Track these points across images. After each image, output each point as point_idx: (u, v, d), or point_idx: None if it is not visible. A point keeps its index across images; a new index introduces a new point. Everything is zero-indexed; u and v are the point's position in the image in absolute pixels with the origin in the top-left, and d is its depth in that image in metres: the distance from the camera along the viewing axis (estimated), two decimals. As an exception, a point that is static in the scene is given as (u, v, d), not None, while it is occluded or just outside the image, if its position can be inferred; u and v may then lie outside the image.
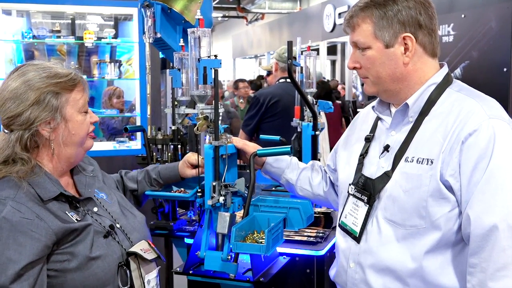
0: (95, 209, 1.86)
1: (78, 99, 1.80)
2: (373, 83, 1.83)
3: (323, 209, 2.96)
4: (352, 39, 1.83)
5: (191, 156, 2.27)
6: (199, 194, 2.13)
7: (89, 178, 1.96)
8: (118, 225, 1.88)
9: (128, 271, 1.79)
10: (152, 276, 1.89)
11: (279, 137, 3.31)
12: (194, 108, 2.17)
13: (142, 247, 1.86)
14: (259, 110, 4.63)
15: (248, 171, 2.15)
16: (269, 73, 5.82)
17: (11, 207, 1.64)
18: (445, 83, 1.80)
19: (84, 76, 5.72)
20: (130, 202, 2.29)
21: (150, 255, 1.87)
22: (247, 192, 2.09)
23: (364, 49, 1.80)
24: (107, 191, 2.00)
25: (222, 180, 2.07)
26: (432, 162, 1.68)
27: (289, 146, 2.17)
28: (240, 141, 2.20)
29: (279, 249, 2.42)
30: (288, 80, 4.62)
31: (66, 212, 1.75)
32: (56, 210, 1.72)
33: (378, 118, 1.93)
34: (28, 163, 1.73)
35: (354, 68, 1.85)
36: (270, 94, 4.63)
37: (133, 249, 1.83)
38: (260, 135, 4.03)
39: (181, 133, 3.14)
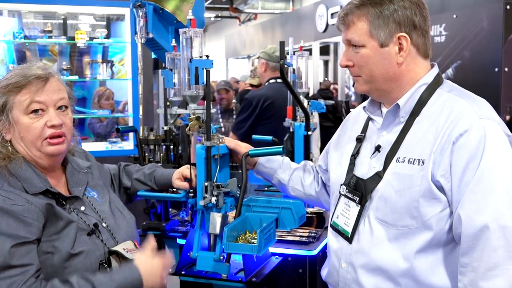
0: (82, 208, 1.87)
1: (22, 100, 1.77)
2: (365, 81, 1.83)
3: (315, 209, 2.97)
4: (346, 37, 1.82)
5: (186, 169, 2.24)
6: (191, 194, 2.14)
7: (82, 175, 1.97)
8: (104, 224, 1.89)
9: (109, 270, 1.80)
10: None
11: (271, 137, 3.31)
12: (186, 109, 2.17)
13: (125, 247, 1.86)
14: (252, 113, 4.53)
15: (240, 171, 2.15)
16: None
17: (1, 196, 1.68)
18: (436, 83, 1.80)
19: (76, 77, 5.63)
20: (122, 198, 2.29)
21: (133, 256, 1.87)
22: (239, 193, 2.09)
23: (358, 47, 1.79)
24: (100, 190, 2.00)
25: (214, 180, 2.07)
26: (423, 163, 1.68)
27: (281, 146, 2.17)
28: (232, 141, 2.20)
29: (272, 249, 2.42)
30: (279, 80, 4.59)
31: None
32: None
33: (369, 119, 1.94)
34: (2, 152, 1.78)
35: (347, 66, 1.85)
36: (263, 96, 4.54)
37: (115, 248, 1.84)
38: (253, 136, 4.02)
39: (173, 133, 3.14)
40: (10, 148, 1.80)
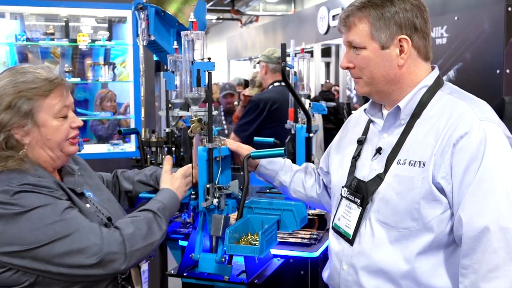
0: (87, 205, 1.90)
1: (53, 104, 1.80)
2: (366, 83, 1.83)
3: (316, 211, 2.97)
4: (347, 39, 1.82)
5: (188, 170, 2.22)
6: (193, 196, 2.14)
7: (78, 177, 1.99)
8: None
9: None
10: (145, 268, 1.97)
11: (273, 139, 3.31)
12: (188, 111, 2.17)
13: None
14: (259, 115, 4.46)
15: (241, 173, 2.15)
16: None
17: (33, 184, 1.72)
18: (436, 85, 1.81)
19: (78, 79, 5.62)
20: (123, 203, 2.30)
21: None
22: (241, 194, 2.10)
23: (359, 49, 1.80)
24: (95, 190, 2.03)
25: (216, 182, 2.07)
26: (424, 165, 1.69)
27: (283, 148, 2.17)
28: (234, 143, 2.20)
29: (273, 251, 2.43)
30: (283, 83, 4.57)
31: None
32: None
33: (370, 121, 1.94)
34: (15, 157, 1.78)
35: (348, 68, 1.85)
36: (271, 100, 4.47)
37: None
38: (254, 137, 4.00)
39: (175, 135, 3.14)
40: (24, 151, 1.81)
